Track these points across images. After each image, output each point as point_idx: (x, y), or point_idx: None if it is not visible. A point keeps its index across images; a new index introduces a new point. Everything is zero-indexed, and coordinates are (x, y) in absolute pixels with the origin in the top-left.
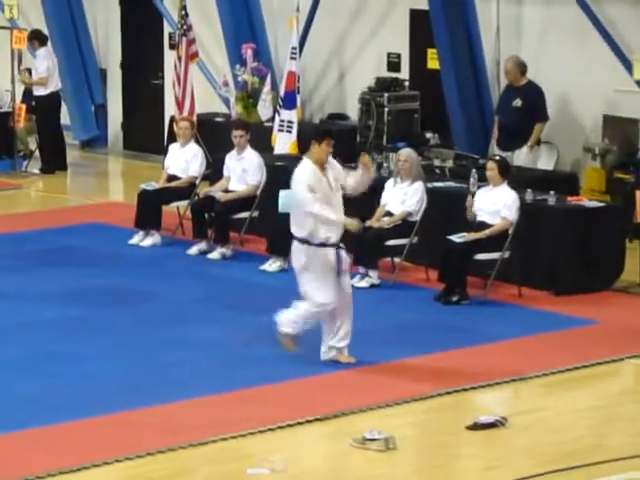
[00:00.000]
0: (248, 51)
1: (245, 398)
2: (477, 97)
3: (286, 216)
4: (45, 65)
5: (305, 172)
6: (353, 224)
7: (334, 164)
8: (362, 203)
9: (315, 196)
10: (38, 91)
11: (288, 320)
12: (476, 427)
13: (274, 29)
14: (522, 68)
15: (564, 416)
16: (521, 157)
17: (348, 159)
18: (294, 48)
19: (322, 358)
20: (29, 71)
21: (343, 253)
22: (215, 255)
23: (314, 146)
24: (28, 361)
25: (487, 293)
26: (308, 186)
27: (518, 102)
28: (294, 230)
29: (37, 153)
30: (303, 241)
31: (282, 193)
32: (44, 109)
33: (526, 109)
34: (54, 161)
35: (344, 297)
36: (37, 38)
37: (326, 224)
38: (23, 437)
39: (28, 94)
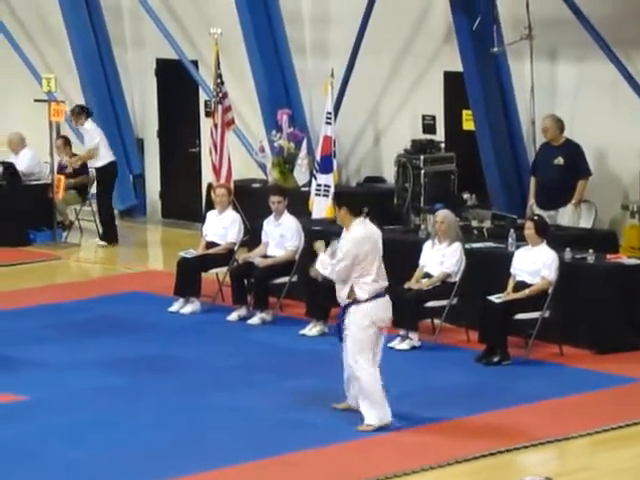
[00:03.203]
0: (284, 117)
1: (286, 463)
2: (513, 157)
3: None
4: (98, 137)
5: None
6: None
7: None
8: (401, 265)
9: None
10: (95, 163)
11: None
12: None
13: (309, 94)
14: (560, 125)
15: (609, 476)
16: (566, 216)
17: (385, 222)
18: (329, 113)
19: None
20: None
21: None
22: (255, 321)
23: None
24: (68, 430)
25: (528, 353)
26: None
27: (560, 160)
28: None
29: (77, 224)
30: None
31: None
32: (105, 179)
33: (568, 166)
34: (113, 231)
35: None
36: (84, 112)
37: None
38: None
39: (64, 166)
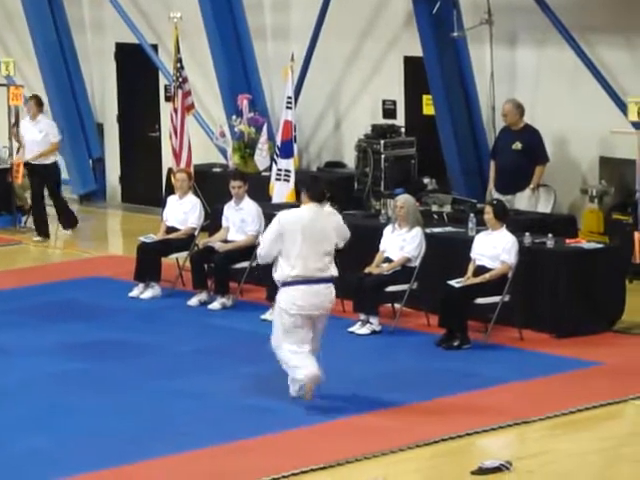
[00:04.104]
0: (244, 101)
1: (248, 448)
2: (473, 141)
3: None
4: (56, 129)
5: None
6: None
7: None
8: (361, 250)
9: None
10: (46, 160)
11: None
12: (481, 472)
13: (269, 79)
14: (520, 110)
15: (569, 459)
16: (523, 200)
17: (345, 207)
18: (289, 97)
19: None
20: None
21: None
22: (216, 305)
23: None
24: (30, 416)
25: (488, 337)
26: None
27: (518, 145)
28: (333, 271)
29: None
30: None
31: None
32: (54, 177)
33: (526, 152)
34: (73, 217)
35: None
36: (41, 103)
37: None
38: None
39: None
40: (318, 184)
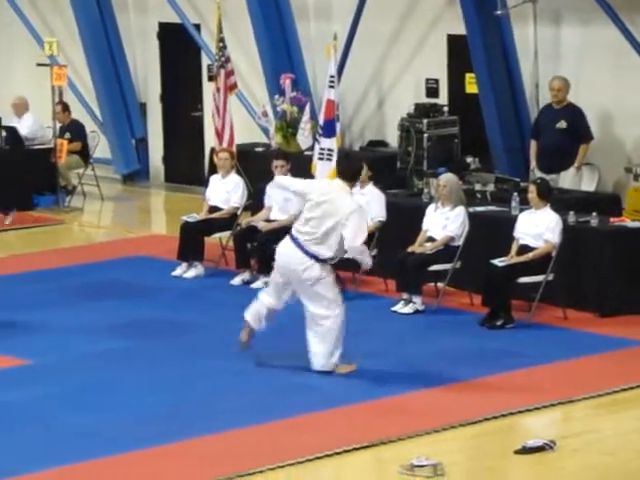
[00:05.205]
0: (286, 81)
1: (292, 427)
2: (516, 120)
3: None
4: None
5: None
6: None
7: None
8: (404, 229)
9: None
10: None
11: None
12: (524, 451)
13: (312, 58)
14: (568, 88)
15: (613, 438)
16: (567, 179)
17: (388, 186)
18: (332, 76)
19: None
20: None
21: None
22: (258, 284)
23: None
24: (74, 394)
25: (532, 316)
26: None
27: (562, 124)
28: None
29: (80, 188)
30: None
31: None
32: None
33: (570, 130)
34: None
35: None
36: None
37: None
38: (68, 472)
39: (64, 129)
40: (349, 163)
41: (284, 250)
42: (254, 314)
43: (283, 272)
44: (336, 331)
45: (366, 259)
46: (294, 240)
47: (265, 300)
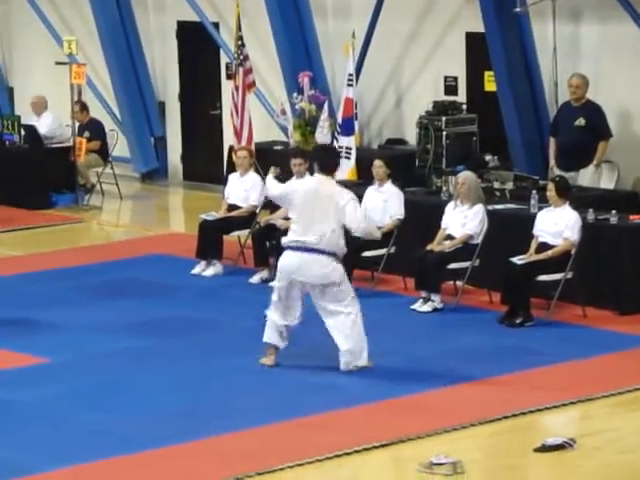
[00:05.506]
0: (305, 79)
1: (310, 425)
2: (535, 118)
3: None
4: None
5: None
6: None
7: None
8: (422, 227)
9: None
10: None
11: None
12: (544, 449)
13: (330, 56)
14: (587, 85)
15: (632, 436)
16: (586, 176)
17: (407, 183)
18: (350, 74)
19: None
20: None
21: None
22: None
23: None
24: (91, 393)
25: (551, 314)
26: None
27: (581, 121)
28: (343, 246)
29: (98, 186)
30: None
31: None
32: None
33: (589, 127)
34: None
35: None
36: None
37: None
38: (83, 471)
39: (83, 128)
40: (327, 155)
41: (298, 261)
42: (274, 334)
43: (302, 285)
44: (361, 326)
45: (375, 234)
46: (305, 249)
47: (278, 320)
